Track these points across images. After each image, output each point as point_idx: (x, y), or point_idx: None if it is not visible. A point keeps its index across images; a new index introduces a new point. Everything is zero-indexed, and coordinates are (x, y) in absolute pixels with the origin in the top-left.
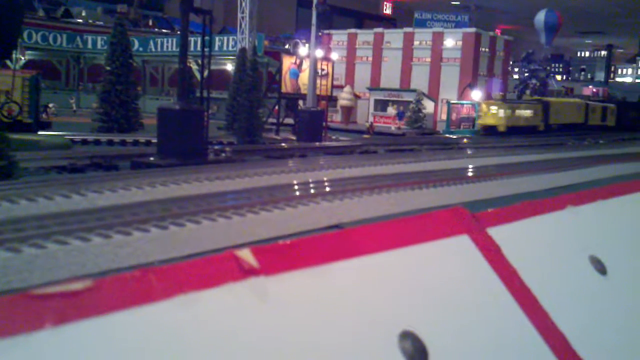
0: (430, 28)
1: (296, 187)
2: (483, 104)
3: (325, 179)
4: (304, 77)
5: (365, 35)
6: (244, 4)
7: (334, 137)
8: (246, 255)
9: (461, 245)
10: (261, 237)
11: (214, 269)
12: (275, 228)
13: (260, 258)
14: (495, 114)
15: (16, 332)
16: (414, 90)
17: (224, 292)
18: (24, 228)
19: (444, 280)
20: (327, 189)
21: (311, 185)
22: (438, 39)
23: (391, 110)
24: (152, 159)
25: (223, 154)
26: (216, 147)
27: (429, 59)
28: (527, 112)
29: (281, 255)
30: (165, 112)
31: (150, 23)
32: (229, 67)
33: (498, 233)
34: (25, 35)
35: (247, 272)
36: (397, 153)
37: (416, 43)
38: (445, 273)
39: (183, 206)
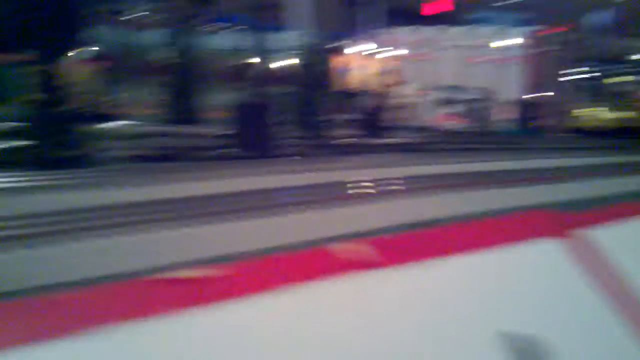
0: (491, 26)
1: (370, 183)
2: (584, 106)
3: (396, 176)
4: (365, 74)
5: (426, 33)
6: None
7: (398, 135)
8: (345, 250)
9: (554, 248)
10: (351, 231)
11: (317, 261)
12: (363, 223)
13: (361, 252)
14: (599, 116)
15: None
16: (477, 89)
17: (324, 285)
18: (114, 215)
19: (539, 282)
20: (401, 186)
21: (384, 182)
22: (500, 37)
23: (454, 109)
24: (224, 151)
25: (294, 149)
26: (287, 141)
27: (491, 57)
28: (630, 114)
29: (388, 249)
30: (237, 106)
31: (211, 18)
32: (291, 62)
33: (592, 235)
34: (90, 28)
35: (349, 265)
36: (465, 152)
37: (478, 41)
38: (538, 275)
39: (269, 198)
